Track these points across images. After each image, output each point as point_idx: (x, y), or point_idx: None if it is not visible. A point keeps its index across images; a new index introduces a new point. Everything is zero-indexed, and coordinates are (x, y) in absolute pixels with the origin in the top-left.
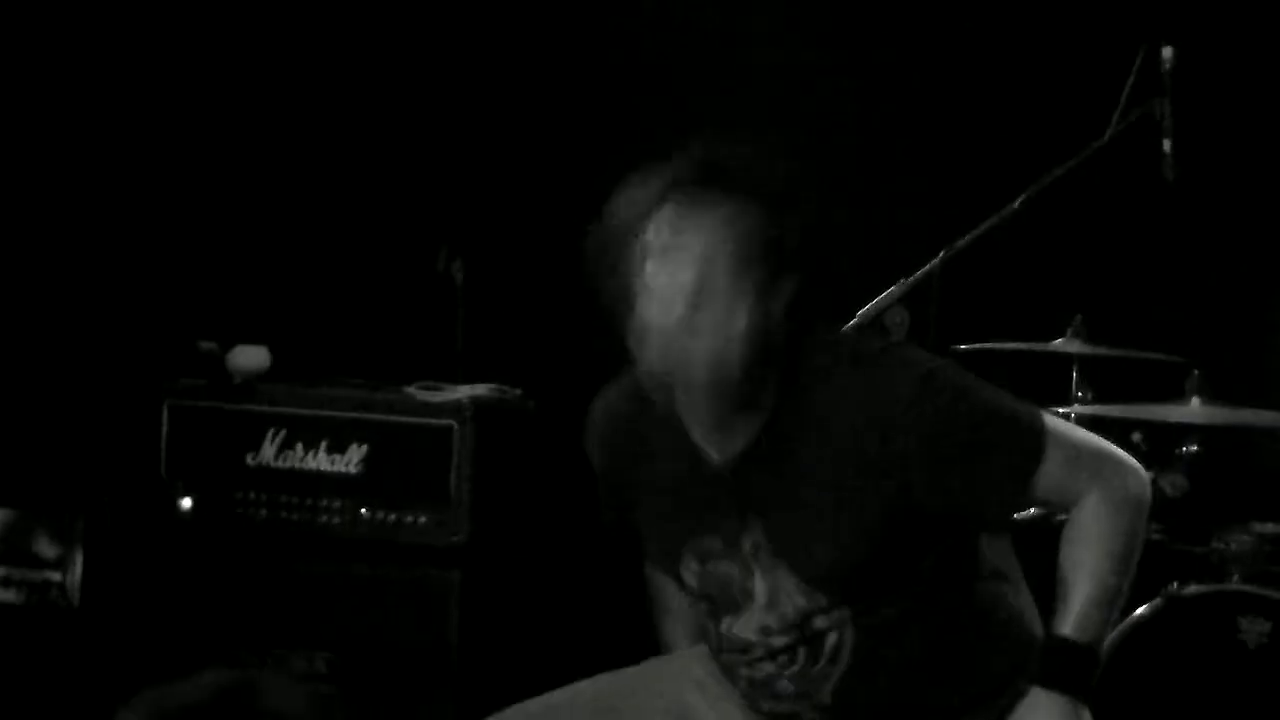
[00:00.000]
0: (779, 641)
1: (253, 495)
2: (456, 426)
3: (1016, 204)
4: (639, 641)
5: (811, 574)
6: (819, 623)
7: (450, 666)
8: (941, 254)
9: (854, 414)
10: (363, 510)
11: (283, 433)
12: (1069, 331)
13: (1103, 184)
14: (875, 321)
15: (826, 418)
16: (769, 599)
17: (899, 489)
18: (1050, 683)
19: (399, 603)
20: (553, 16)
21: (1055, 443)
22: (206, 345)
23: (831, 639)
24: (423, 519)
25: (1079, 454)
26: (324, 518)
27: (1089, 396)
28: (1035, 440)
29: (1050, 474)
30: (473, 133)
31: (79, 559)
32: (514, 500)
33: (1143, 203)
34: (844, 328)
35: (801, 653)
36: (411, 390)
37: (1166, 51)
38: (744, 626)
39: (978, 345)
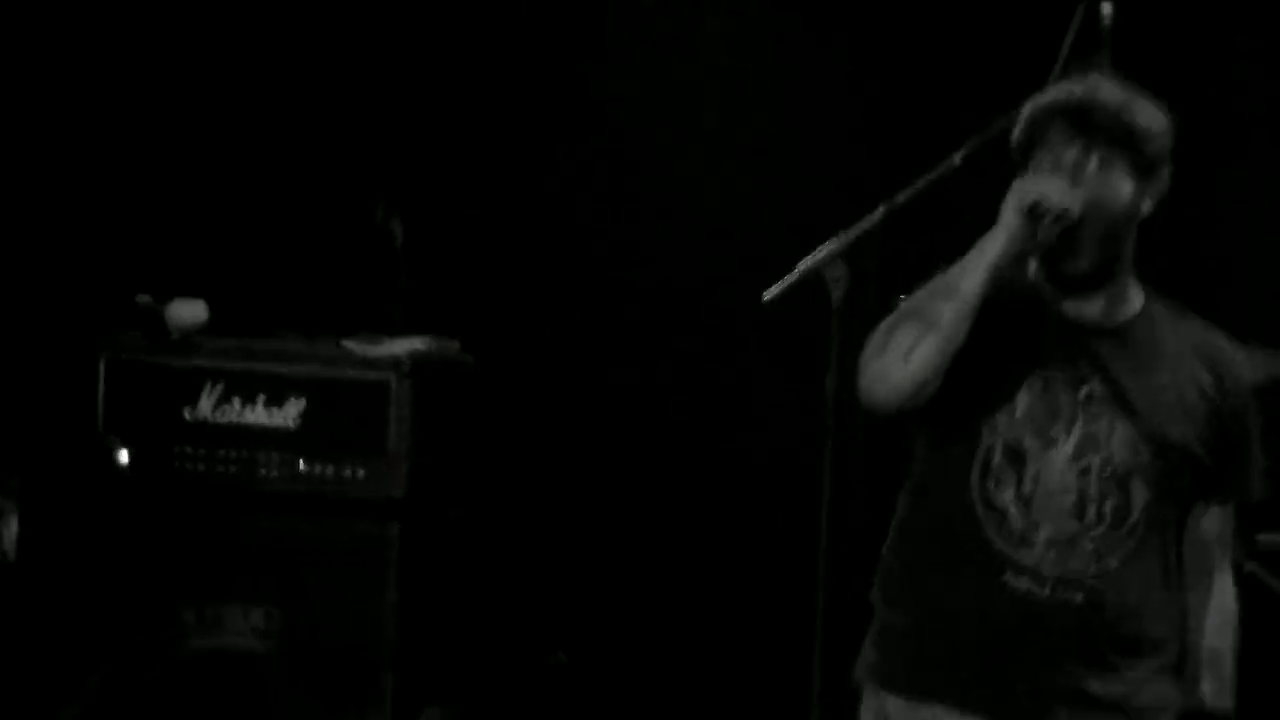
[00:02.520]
0: (1094, 488)
1: (190, 449)
2: (394, 380)
3: (957, 158)
4: (576, 587)
5: (1150, 431)
6: (1135, 482)
7: (388, 619)
8: (882, 208)
9: (1197, 348)
10: (300, 464)
11: (220, 387)
12: None
13: None
14: (815, 275)
15: (1174, 335)
16: (1088, 442)
17: (1207, 417)
18: None
19: (337, 556)
20: None
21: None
22: (143, 299)
23: (1136, 514)
24: (361, 473)
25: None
26: (262, 471)
27: None
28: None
29: (1229, 516)
30: (411, 87)
31: (16, 514)
32: (452, 454)
33: None
34: (782, 281)
35: (1109, 510)
36: (349, 344)
37: (1106, 8)
38: (1056, 468)
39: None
